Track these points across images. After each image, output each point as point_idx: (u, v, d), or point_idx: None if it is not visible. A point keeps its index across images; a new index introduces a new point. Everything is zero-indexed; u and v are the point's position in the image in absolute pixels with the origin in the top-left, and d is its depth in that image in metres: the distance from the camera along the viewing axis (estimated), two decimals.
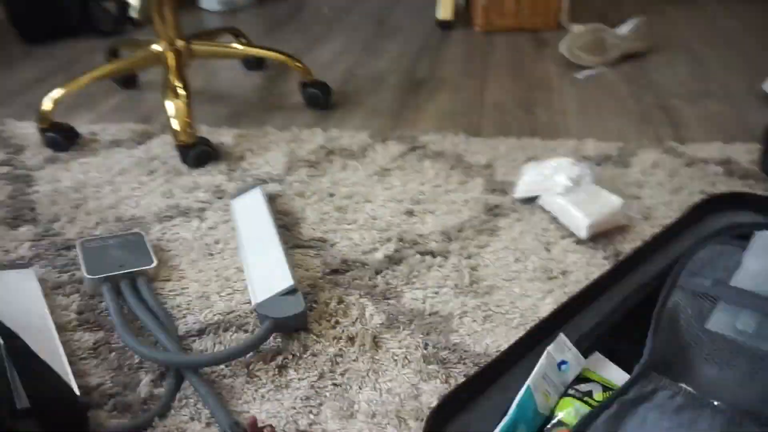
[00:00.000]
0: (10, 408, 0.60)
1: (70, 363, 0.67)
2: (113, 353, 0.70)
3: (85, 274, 0.77)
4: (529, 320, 0.71)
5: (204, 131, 1.15)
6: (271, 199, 0.95)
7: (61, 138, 1.14)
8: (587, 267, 0.79)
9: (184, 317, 0.75)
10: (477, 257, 0.82)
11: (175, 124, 1.06)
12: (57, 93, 1.16)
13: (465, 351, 0.68)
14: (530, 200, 0.91)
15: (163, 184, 1.02)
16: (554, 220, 0.87)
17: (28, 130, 1.21)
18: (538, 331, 0.58)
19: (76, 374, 0.67)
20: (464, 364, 0.66)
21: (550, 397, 0.53)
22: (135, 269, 0.78)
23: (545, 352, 0.54)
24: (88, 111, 1.32)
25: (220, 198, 0.97)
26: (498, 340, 0.69)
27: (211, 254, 0.85)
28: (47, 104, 1.15)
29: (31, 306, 0.74)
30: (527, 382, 0.51)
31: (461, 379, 0.63)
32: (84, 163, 1.10)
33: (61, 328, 0.73)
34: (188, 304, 0.76)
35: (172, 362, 0.66)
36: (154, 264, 0.80)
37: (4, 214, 0.95)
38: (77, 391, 0.63)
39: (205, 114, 1.24)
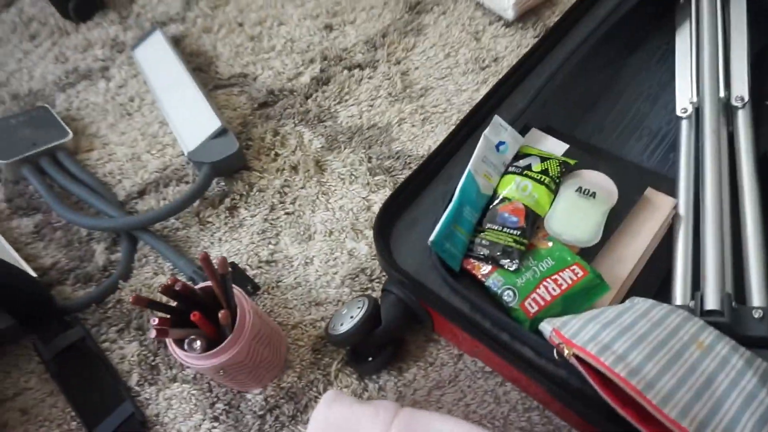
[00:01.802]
0: None
1: (16, 250, 0.66)
2: (58, 232, 0.69)
3: (1, 160, 0.72)
4: None
5: None
6: (177, 41, 0.87)
7: None
8: (519, 49, 0.77)
9: (120, 182, 0.73)
10: (406, 61, 0.79)
11: None
12: None
13: (408, 156, 0.69)
14: None
15: (52, 47, 0.91)
16: (479, 5, 0.82)
17: None
18: (472, 119, 0.59)
19: (27, 259, 0.66)
20: (409, 168, 0.68)
21: (492, 178, 0.55)
22: (51, 144, 0.74)
23: (482, 136, 0.55)
24: None
25: (120, 52, 0.88)
26: (439, 139, 0.70)
27: (129, 113, 0.80)
28: None
29: None
30: (467, 167, 0.53)
31: None
32: None
33: None
34: (120, 169, 0.74)
35: (121, 226, 0.65)
36: (70, 135, 0.75)
37: None
38: (33, 274, 0.63)
39: None
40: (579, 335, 0.41)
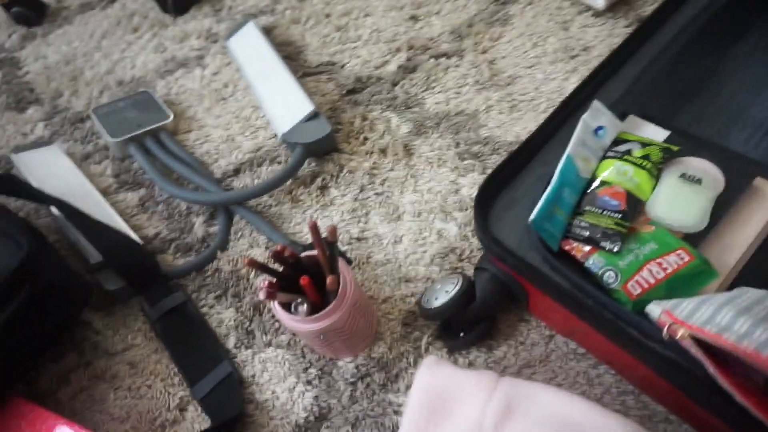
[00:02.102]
0: (86, 265, 0.65)
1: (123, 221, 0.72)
2: (160, 205, 0.74)
3: (110, 138, 0.77)
4: (556, 103, 0.71)
5: None
6: (267, 32, 0.91)
7: (29, 11, 1.07)
8: (609, 39, 0.77)
9: (216, 161, 0.77)
10: (493, 50, 0.80)
11: None
12: None
13: (497, 142, 0.70)
14: None
15: (152, 39, 0.97)
16: None
17: None
18: (569, 104, 0.59)
19: (133, 229, 0.71)
20: (498, 153, 0.69)
21: (590, 162, 0.55)
22: (155, 125, 0.79)
23: (581, 120, 0.55)
24: None
25: (214, 42, 0.94)
26: (528, 126, 0.70)
27: (224, 98, 0.84)
28: None
29: (69, 177, 0.76)
30: (567, 151, 0.53)
31: None
32: (62, 34, 1.04)
33: (103, 193, 0.76)
34: (216, 149, 0.78)
35: (219, 201, 0.69)
36: (171, 117, 0.80)
37: (6, 100, 0.94)
38: (140, 241, 0.68)
39: None
40: (694, 316, 0.40)
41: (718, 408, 0.41)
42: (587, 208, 0.52)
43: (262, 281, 0.47)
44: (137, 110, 0.82)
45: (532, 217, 0.50)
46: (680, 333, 0.40)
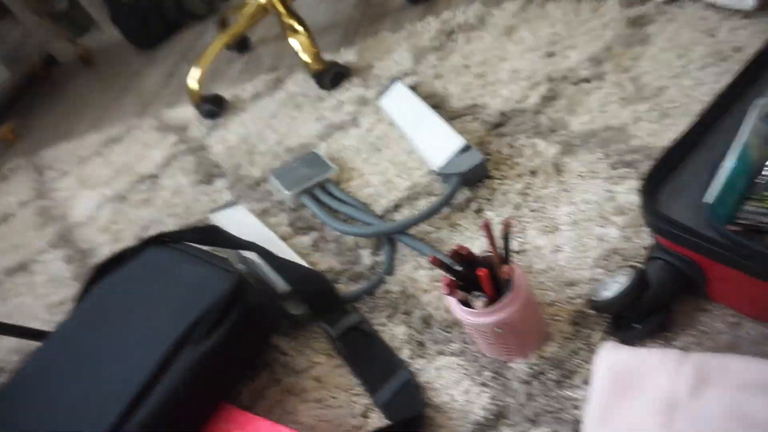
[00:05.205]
0: (273, 293, 0.77)
1: None
2: (330, 243, 0.86)
3: (286, 191, 0.92)
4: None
5: (327, 58, 1.26)
6: (412, 89, 1.04)
7: (214, 106, 1.33)
8: (763, 36, 0.77)
9: (377, 201, 0.88)
10: (634, 68, 0.84)
11: (305, 57, 1.19)
12: (195, 72, 1.35)
13: (650, 149, 0.72)
14: None
15: (313, 111, 1.16)
16: (710, 5, 0.85)
17: (183, 113, 1.43)
18: (730, 91, 0.61)
19: (309, 266, 0.83)
20: (653, 159, 0.71)
21: (761, 149, 0.56)
22: (323, 177, 0.93)
23: (757, 106, 0.57)
24: (222, 81, 1.51)
25: (365, 105, 1.09)
26: (682, 129, 0.72)
27: (379, 149, 0.97)
28: (192, 84, 1.34)
29: (253, 227, 0.92)
30: (745, 136, 0.55)
31: None
32: (239, 120, 1.28)
33: (281, 238, 0.89)
34: (376, 191, 0.89)
35: (383, 231, 0.79)
36: (336, 170, 0.94)
37: (199, 177, 1.16)
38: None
39: (321, 44, 1.36)
40: None
41: None
42: (766, 193, 0.53)
43: (443, 278, 0.54)
44: (306, 167, 0.97)
45: (710, 200, 0.51)
46: None
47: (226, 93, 1.39)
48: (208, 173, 1.16)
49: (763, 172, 0.55)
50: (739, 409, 0.40)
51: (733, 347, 0.52)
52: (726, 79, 0.74)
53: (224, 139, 1.24)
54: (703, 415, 0.41)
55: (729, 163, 0.53)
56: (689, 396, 0.43)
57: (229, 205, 1.01)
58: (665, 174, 0.57)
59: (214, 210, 1.01)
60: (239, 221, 0.95)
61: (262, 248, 0.80)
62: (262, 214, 0.97)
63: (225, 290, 0.67)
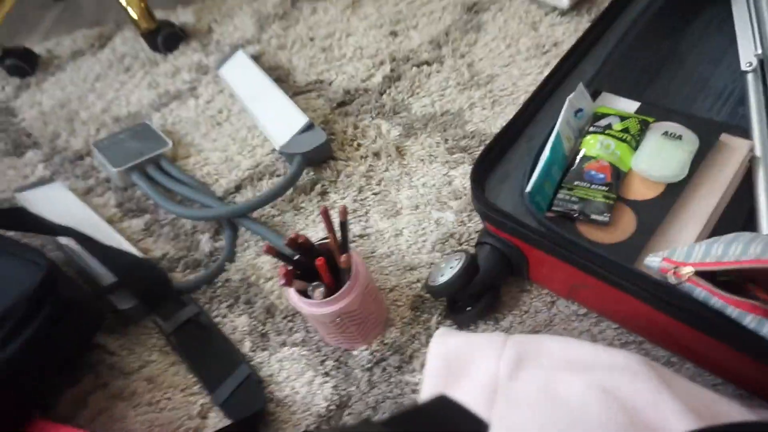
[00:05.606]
0: (98, 286, 0.70)
1: None
2: (165, 227, 0.79)
3: (113, 168, 0.83)
4: None
5: (161, 16, 1.14)
6: (255, 59, 0.99)
7: (22, 62, 1.15)
8: (576, 34, 0.84)
9: (217, 181, 0.82)
10: (470, 54, 0.87)
11: (133, 13, 1.06)
12: None
13: (483, 134, 0.76)
14: None
15: (144, 77, 1.05)
16: (533, 0, 0.91)
17: None
18: (547, 85, 0.66)
19: (141, 252, 0.76)
20: (485, 145, 0.75)
21: (571, 141, 0.62)
22: (155, 153, 0.85)
23: (567, 101, 0.61)
24: (33, 31, 1.30)
25: (205, 74, 1.01)
26: (510, 117, 0.77)
27: (219, 123, 0.91)
28: None
29: (74, 210, 0.82)
30: (556, 129, 0.59)
31: None
32: (56, 81, 1.11)
33: (108, 222, 0.81)
34: (216, 170, 0.84)
35: (224, 214, 0.74)
36: (170, 144, 0.86)
37: (4, 147, 1.00)
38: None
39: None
40: (691, 256, 0.46)
41: (726, 333, 0.46)
42: (576, 183, 0.58)
43: (280, 268, 0.52)
44: (137, 140, 0.88)
45: (528, 189, 0.56)
46: (684, 272, 0.45)
47: (38, 47, 1.20)
48: (17, 143, 1.00)
49: (577, 161, 0.61)
50: (549, 388, 0.44)
51: (549, 325, 0.58)
52: (547, 71, 0.81)
53: (37, 103, 1.08)
54: (519, 397, 0.44)
55: (545, 154, 0.58)
56: (508, 378, 0.46)
57: (43, 182, 0.89)
58: (493, 162, 0.61)
59: (22, 188, 0.87)
60: (56, 201, 0.84)
61: (80, 233, 0.71)
62: (86, 194, 0.87)
63: (31, 285, 0.59)
